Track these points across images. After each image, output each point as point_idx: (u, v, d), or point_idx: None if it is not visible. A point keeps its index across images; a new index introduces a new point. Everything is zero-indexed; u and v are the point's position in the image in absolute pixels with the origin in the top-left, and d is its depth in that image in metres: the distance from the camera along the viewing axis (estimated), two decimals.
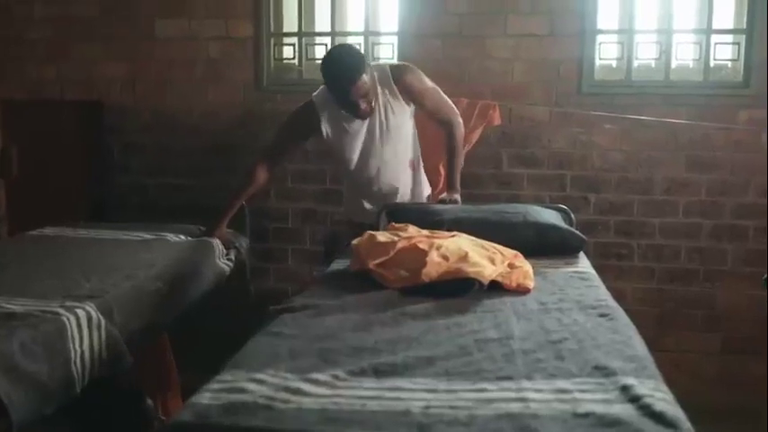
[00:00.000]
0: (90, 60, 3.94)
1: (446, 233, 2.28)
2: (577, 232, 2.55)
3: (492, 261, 2.06)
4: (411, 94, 2.89)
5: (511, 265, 2.09)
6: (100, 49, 3.93)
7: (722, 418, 3.08)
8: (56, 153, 3.73)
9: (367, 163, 2.93)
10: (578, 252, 2.50)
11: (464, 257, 2.01)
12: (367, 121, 2.87)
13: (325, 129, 2.91)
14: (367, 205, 3.00)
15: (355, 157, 2.92)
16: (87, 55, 3.94)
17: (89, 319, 2.00)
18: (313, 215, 3.85)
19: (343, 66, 2.71)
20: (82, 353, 1.95)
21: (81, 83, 3.97)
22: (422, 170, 3.10)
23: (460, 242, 2.15)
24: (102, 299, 2.13)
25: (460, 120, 3.00)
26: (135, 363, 2.16)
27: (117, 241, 3.04)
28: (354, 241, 2.23)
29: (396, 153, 2.94)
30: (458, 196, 2.91)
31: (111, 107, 3.96)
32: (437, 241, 2.11)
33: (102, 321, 2.05)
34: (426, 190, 3.12)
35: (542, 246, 2.43)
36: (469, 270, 1.94)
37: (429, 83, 2.92)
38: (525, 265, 2.11)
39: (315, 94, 2.93)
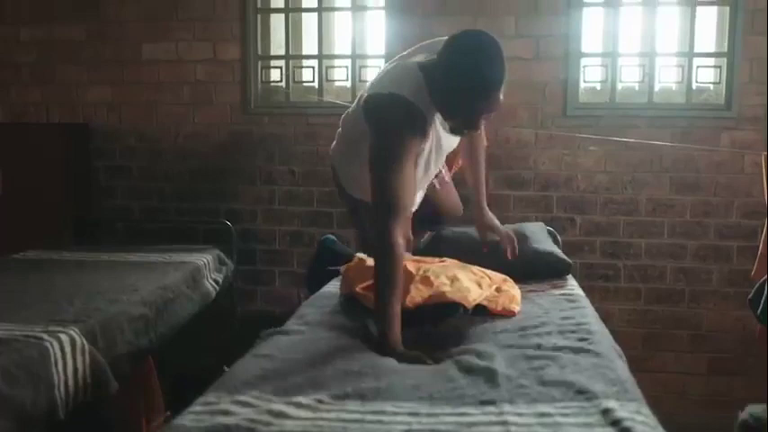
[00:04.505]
0: (76, 83, 3.94)
1: (435, 258, 2.29)
2: (564, 256, 2.57)
3: (479, 285, 2.06)
4: None
5: (498, 290, 2.10)
6: (86, 71, 3.93)
7: None
8: (41, 176, 3.71)
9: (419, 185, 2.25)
10: (565, 275, 2.52)
11: (450, 282, 2.02)
12: (444, 139, 2.18)
13: (430, 136, 2.09)
14: None
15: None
16: (73, 78, 3.94)
17: (73, 343, 1.98)
18: (300, 237, 3.85)
19: (498, 64, 1.98)
20: (66, 378, 1.93)
21: (67, 106, 3.96)
22: None
23: (448, 267, 2.15)
24: (86, 323, 2.12)
25: None
26: (120, 387, 2.15)
27: (101, 264, 3.03)
28: (343, 266, 2.23)
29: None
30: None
31: (97, 130, 3.95)
32: (424, 265, 2.12)
33: (86, 346, 2.03)
34: None
35: (532, 271, 2.46)
36: (455, 295, 1.94)
37: None
38: (513, 290, 2.11)
39: (399, 92, 1.98)
